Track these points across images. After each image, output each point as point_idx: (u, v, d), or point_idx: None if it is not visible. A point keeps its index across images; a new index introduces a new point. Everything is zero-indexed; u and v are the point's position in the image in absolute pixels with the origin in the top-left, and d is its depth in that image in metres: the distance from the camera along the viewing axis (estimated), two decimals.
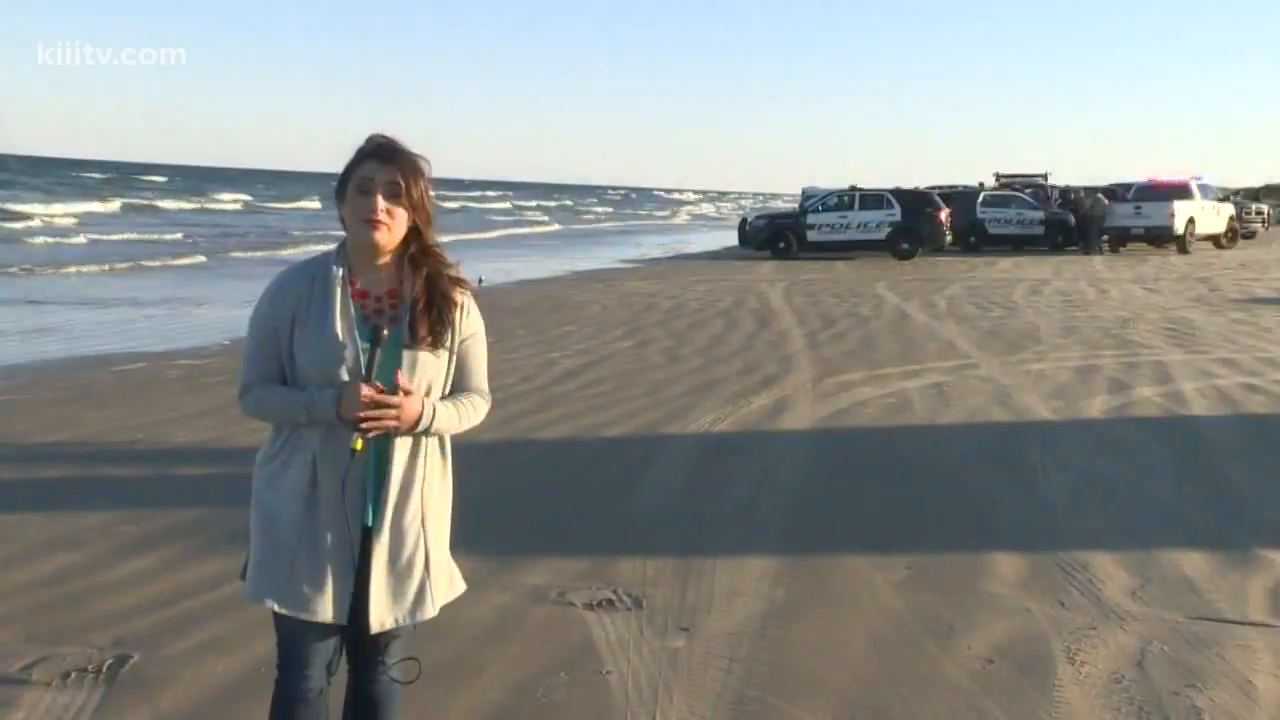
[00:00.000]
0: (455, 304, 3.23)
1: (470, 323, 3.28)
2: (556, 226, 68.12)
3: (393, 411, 3.08)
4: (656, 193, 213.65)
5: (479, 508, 7.20)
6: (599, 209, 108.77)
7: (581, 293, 23.28)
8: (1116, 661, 5.03)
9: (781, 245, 35.83)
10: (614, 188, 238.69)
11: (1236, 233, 41.37)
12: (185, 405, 10.88)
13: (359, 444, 3.08)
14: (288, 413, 3.15)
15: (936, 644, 5.24)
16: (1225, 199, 42.04)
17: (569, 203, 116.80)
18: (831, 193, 37.70)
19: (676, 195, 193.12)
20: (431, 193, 3.20)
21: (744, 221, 40.51)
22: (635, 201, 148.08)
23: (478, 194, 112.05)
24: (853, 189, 36.78)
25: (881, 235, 35.14)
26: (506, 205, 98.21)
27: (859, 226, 35.36)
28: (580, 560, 6.41)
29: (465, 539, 6.55)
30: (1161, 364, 13.42)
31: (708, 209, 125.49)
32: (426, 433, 3.20)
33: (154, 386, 12.03)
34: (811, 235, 35.76)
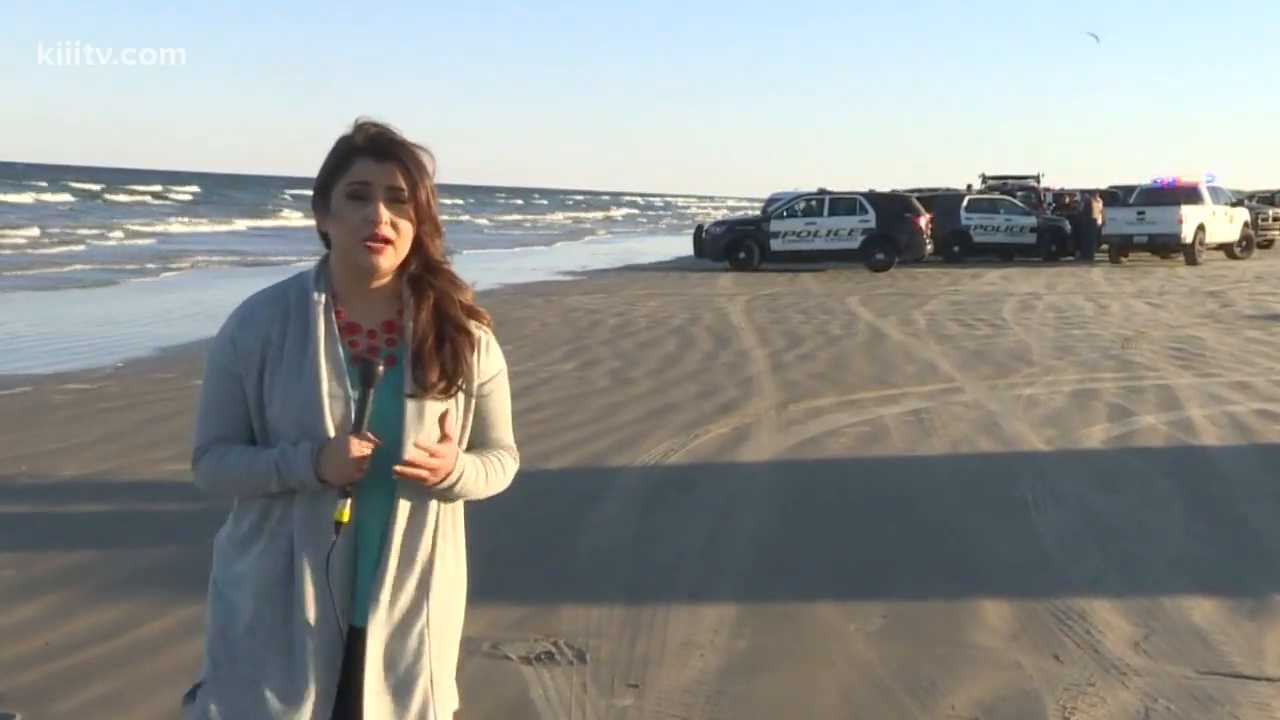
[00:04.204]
0: (472, 339, 2.86)
1: (491, 362, 2.92)
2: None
3: (434, 462, 2.74)
4: (650, 198, 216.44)
5: None
6: (653, 217, 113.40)
7: (518, 308, 23.19)
8: None
9: (742, 255, 35.69)
10: (591, 193, 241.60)
11: (1251, 241, 41.71)
12: (75, 434, 10.78)
13: (345, 515, 2.70)
14: (252, 479, 2.74)
15: (915, 702, 5.27)
16: (1239, 203, 42.21)
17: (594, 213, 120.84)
18: (798, 196, 37.70)
19: (678, 201, 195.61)
20: (437, 195, 2.82)
21: (700, 229, 40.16)
22: (641, 208, 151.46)
23: (521, 202, 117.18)
24: (821, 192, 36.75)
25: (854, 244, 35.14)
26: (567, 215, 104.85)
27: (829, 234, 35.30)
28: (517, 608, 6.40)
29: None
30: (1168, 388, 13.57)
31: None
32: (448, 496, 2.86)
33: (39, 413, 11.91)
34: (775, 244, 35.66)
